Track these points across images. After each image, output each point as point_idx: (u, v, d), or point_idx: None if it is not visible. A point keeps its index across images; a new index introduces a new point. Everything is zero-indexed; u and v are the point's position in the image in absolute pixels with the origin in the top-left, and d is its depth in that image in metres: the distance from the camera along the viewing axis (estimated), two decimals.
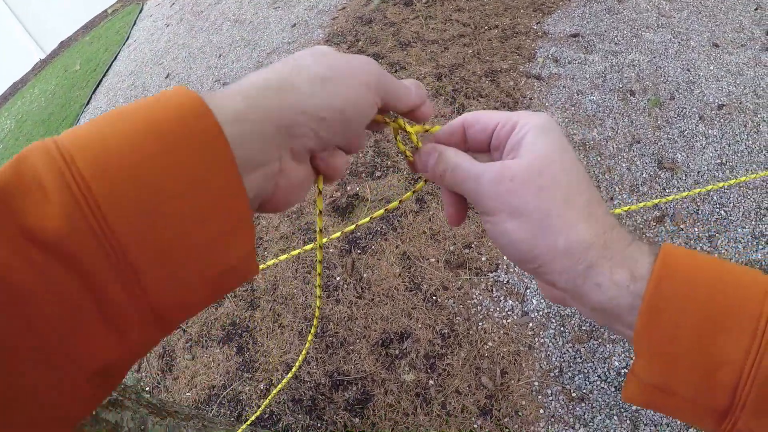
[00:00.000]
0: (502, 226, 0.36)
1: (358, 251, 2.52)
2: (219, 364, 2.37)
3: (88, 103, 5.09)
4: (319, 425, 2.05)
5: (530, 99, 3.07)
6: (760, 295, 0.29)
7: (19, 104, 7.19)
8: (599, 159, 2.73)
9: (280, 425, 2.09)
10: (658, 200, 0.78)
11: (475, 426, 1.95)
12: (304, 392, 2.15)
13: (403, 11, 3.92)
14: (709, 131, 2.80)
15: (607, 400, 1.95)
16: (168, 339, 2.59)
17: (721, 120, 2.85)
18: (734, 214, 2.40)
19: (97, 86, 5.37)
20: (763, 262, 2.21)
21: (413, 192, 0.49)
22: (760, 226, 2.33)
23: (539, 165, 0.35)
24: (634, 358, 0.32)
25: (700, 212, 2.43)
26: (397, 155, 2.89)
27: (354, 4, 4.29)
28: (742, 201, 2.45)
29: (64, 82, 6.46)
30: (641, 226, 2.40)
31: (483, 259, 2.39)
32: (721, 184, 0.72)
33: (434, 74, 3.29)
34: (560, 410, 1.95)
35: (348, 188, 2.80)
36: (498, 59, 3.33)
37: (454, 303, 2.28)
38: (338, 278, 2.45)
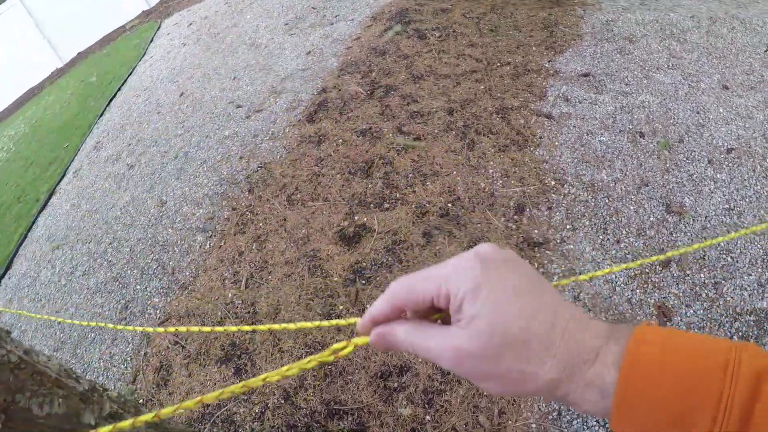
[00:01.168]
0: (477, 384, 0.39)
1: (363, 282, 2.52)
2: (215, 384, 2.36)
3: (101, 114, 5.16)
4: None
5: (540, 138, 3.10)
6: (719, 374, 0.32)
7: (33, 110, 7.30)
8: (607, 201, 2.73)
9: None
10: (664, 255, 0.78)
11: None
12: (299, 418, 2.14)
13: (416, 44, 3.99)
14: (718, 175, 2.80)
15: None
16: (166, 353, 2.58)
17: (730, 164, 2.86)
18: (741, 261, 2.39)
19: (112, 99, 5.45)
20: None
21: (335, 358, 0.49)
22: (767, 273, 2.32)
23: (487, 336, 0.36)
24: None
25: (706, 258, 2.42)
26: (407, 188, 2.91)
27: (368, 35, 4.37)
28: (749, 247, 2.44)
29: (80, 92, 6.57)
30: (647, 270, 2.39)
31: None
32: (732, 235, 0.71)
33: (446, 109, 3.33)
34: None
35: (356, 218, 2.81)
36: (509, 96, 3.36)
37: None
38: (341, 307, 2.45)
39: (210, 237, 3.02)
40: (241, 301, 2.63)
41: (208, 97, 4.17)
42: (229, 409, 2.25)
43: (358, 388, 2.18)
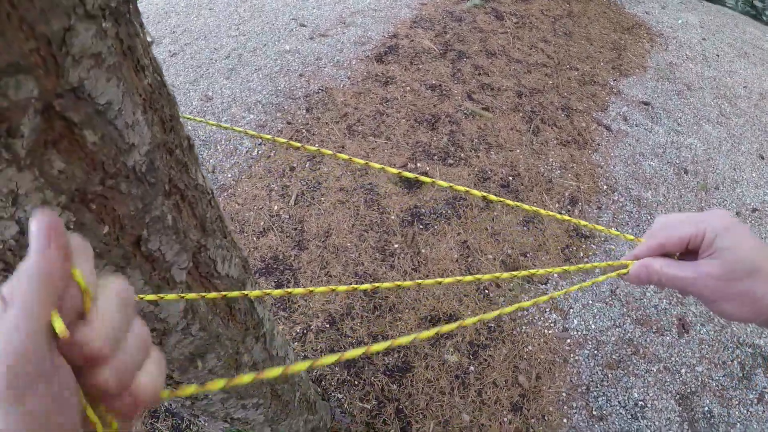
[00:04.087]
0: (721, 308, 0.48)
1: (420, 227, 2.54)
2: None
3: None
4: (355, 382, 2.04)
5: (598, 144, 3.21)
6: None
7: None
8: (649, 217, 2.88)
9: (314, 374, 2.06)
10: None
11: (505, 419, 2.01)
12: (344, 346, 2.13)
13: (493, 22, 4.01)
14: None
15: (623, 425, 2.09)
16: None
17: (754, 221, 3.08)
18: None
19: None
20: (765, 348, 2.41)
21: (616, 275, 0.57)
22: None
23: (733, 262, 0.47)
24: None
25: None
26: (471, 151, 2.94)
27: None
28: None
29: None
30: None
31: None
32: None
33: (515, 91, 3.38)
34: (581, 424, 2.06)
35: (418, 165, 2.82)
36: (575, 99, 3.46)
37: (503, 301, 2.33)
38: (396, 245, 2.46)
39: (260, 144, 2.92)
40: (288, 216, 2.57)
41: (269, 7, 4.01)
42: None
43: (406, 327, 2.20)
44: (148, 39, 0.51)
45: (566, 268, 0.61)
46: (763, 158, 3.56)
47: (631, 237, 0.59)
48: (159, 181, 0.52)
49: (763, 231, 3.05)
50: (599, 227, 0.65)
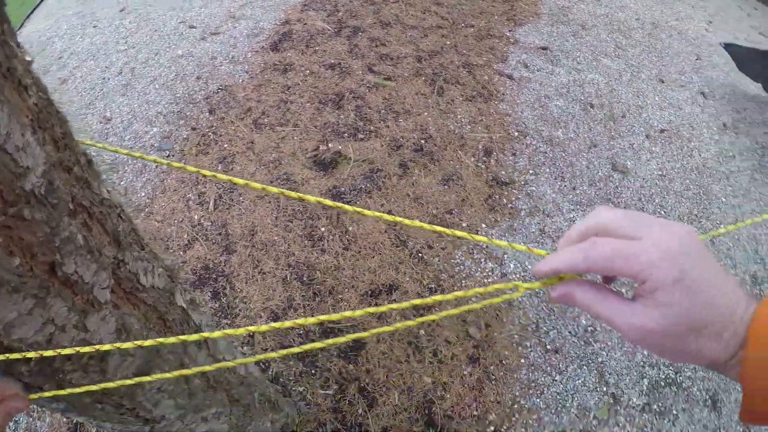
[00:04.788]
0: (653, 353, 0.47)
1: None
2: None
3: (21, 26, 4.52)
4: (313, 372, 2.02)
5: (503, 94, 3.28)
6: None
7: None
8: (563, 155, 2.97)
9: (270, 373, 2.03)
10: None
11: (465, 373, 2.04)
12: (293, 339, 2.11)
13: None
14: (653, 148, 3.17)
15: (578, 353, 2.17)
16: None
17: (663, 141, 3.24)
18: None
19: (34, 9, 4.73)
20: None
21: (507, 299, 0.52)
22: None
23: (675, 320, 0.39)
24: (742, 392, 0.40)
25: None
26: (380, 122, 2.94)
27: None
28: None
29: None
30: None
31: (464, 225, 2.51)
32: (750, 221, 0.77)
33: (414, 56, 3.40)
34: (539, 360, 2.12)
35: (330, 145, 2.80)
36: (474, 54, 3.51)
37: (439, 261, 2.37)
38: (323, 229, 2.44)
39: (168, 156, 2.82)
40: (210, 223, 2.50)
41: (154, 14, 3.84)
42: None
43: (349, 306, 2.20)
44: (27, 58, 0.49)
45: (456, 294, 0.54)
46: (663, 82, 3.73)
47: (543, 252, 0.48)
48: (62, 201, 0.51)
49: (674, 148, 3.21)
50: (500, 243, 0.56)
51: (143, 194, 2.67)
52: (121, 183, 2.75)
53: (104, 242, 0.62)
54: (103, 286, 0.61)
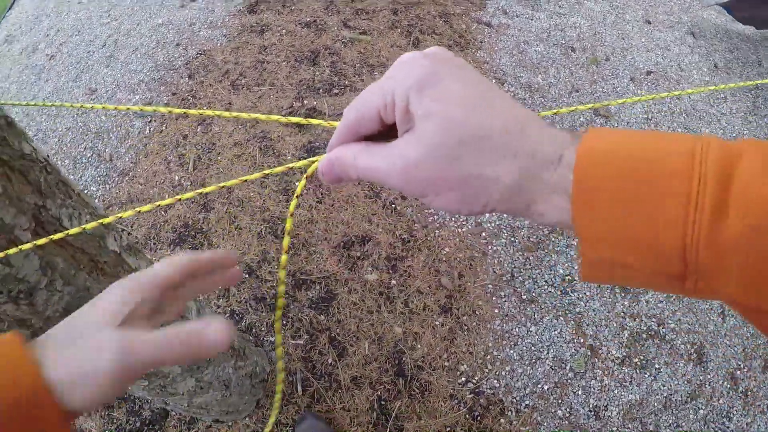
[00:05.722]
0: (434, 203, 0.34)
1: None
2: None
3: (10, 8, 4.58)
4: (284, 322, 2.08)
5: (481, 42, 3.24)
6: (687, 159, 0.28)
7: None
8: (543, 100, 2.95)
9: (243, 323, 2.10)
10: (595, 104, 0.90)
11: (437, 323, 2.08)
12: (266, 291, 2.17)
13: None
14: (638, 91, 3.12)
15: (554, 303, 2.18)
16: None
17: (649, 84, 3.18)
18: None
19: None
20: None
21: (306, 178, 0.46)
22: None
23: (440, 134, 0.31)
24: (578, 240, 0.31)
25: None
26: (355, 76, 2.95)
27: None
28: None
29: None
30: None
31: None
32: (665, 95, 0.78)
33: (390, 9, 3.36)
34: (513, 310, 2.14)
35: (305, 102, 2.82)
36: (451, 4, 3.46)
37: (412, 211, 2.39)
38: (297, 183, 2.48)
39: (149, 122, 2.88)
40: (190, 183, 2.56)
41: None
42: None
43: (322, 258, 2.25)
44: None
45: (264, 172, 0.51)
46: (649, 23, 3.64)
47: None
48: None
49: (661, 90, 3.15)
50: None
51: (127, 159, 2.74)
52: (107, 150, 2.82)
53: (26, 191, 0.73)
54: (23, 227, 0.70)
